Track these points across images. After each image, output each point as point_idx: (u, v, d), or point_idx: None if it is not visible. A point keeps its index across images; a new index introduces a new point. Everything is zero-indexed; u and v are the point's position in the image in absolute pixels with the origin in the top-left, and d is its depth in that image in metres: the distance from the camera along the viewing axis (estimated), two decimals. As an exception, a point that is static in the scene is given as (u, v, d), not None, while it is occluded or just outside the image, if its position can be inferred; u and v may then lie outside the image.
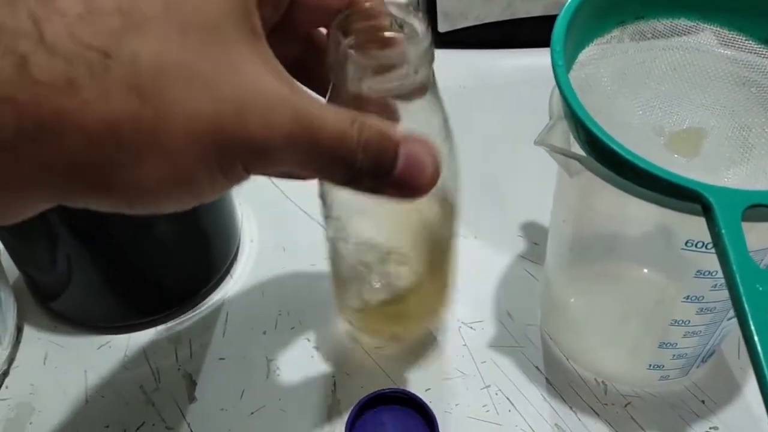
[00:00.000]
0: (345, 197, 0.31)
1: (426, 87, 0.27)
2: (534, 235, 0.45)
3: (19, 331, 0.39)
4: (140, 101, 0.17)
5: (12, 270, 0.40)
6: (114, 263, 0.37)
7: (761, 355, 0.21)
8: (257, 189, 0.48)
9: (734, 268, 0.22)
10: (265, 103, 0.19)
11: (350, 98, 0.25)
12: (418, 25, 0.27)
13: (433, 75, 0.28)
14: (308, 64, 0.27)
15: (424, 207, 0.32)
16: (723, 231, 0.23)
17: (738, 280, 0.22)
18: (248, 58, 0.20)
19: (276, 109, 0.19)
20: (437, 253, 0.35)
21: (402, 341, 0.38)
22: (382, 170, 0.22)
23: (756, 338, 0.21)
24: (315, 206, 0.46)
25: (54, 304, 0.40)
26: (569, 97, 0.26)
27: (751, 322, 0.21)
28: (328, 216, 0.33)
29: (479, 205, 0.46)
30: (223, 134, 0.19)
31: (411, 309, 0.37)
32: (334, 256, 0.35)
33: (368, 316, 0.38)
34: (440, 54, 0.67)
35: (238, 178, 0.21)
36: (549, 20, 0.65)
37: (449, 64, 0.61)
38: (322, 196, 0.32)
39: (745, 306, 0.22)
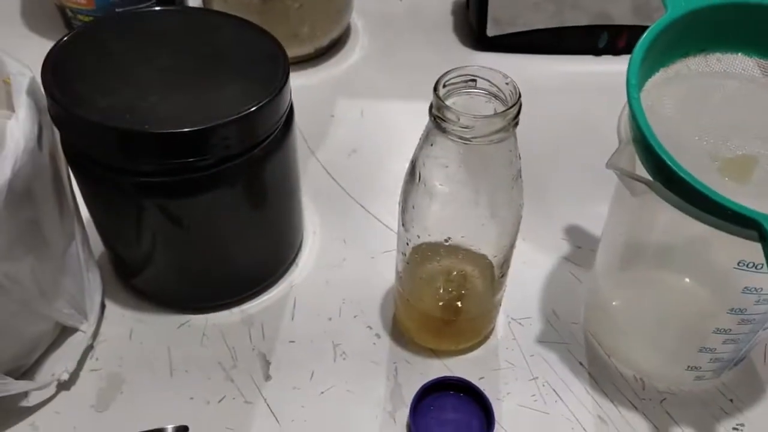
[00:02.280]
0: (426, 213, 0.34)
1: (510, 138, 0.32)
2: (577, 238, 0.48)
3: (103, 307, 0.43)
4: None
5: (97, 246, 0.43)
6: (195, 247, 0.40)
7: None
8: (319, 185, 0.51)
9: (788, 291, 0.25)
10: None
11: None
12: (510, 94, 0.31)
13: (516, 126, 0.32)
14: None
15: (493, 232, 0.35)
16: (778, 258, 0.26)
17: (791, 301, 0.25)
18: None
19: None
20: (493, 277, 0.38)
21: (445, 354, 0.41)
22: None
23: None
24: (372, 202, 0.50)
25: (136, 282, 0.43)
26: (643, 126, 0.29)
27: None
28: (407, 227, 0.36)
29: (526, 209, 0.49)
30: None
31: (461, 327, 0.41)
32: (404, 267, 0.38)
33: (420, 326, 0.41)
34: (489, 57, 0.70)
35: None
36: (594, 29, 0.68)
37: (497, 67, 0.64)
38: (403, 204, 0.35)
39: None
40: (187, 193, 0.37)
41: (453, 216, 0.34)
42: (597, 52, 0.63)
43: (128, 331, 0.42)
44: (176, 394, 0.39)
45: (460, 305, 0.40)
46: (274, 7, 0.56)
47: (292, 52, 0.60)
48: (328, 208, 0.50)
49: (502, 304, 0.42)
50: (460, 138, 0.30)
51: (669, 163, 0.28)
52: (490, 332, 0.42)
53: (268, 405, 0.38)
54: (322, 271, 0.45)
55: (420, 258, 0.37)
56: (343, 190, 0.51)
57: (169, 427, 0.37)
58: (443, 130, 0.31)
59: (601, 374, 0.40)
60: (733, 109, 0.35)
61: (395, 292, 0.41)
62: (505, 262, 0.37)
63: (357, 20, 0.68)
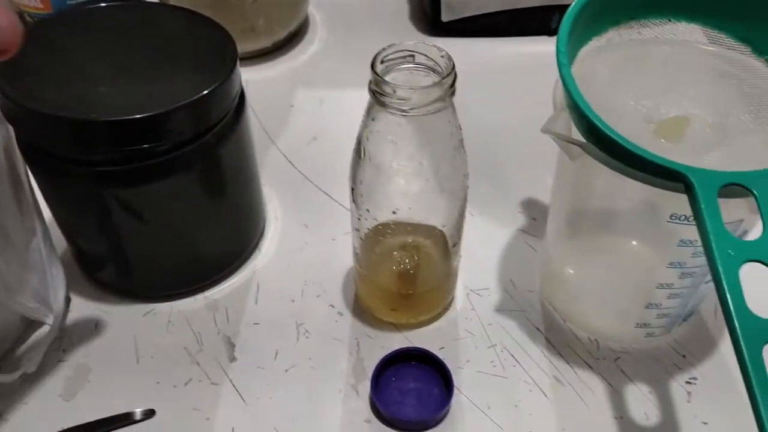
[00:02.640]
0: (374, 187, 0.35)
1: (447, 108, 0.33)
2: (532, 210, 0.49)
3: (68, 301, 0.43)
4: None
5: (60, 242, 0.44)
6: (155, 236, 0.41)
7: (732, 307, 0.25)
8: (279, 173, 0.52)
9: (711, 237, 0.27)
10: None
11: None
12: (444, 64, 0.33)
13: (452, 95, 0.33)
14: None
15: (440, 203, 0.36)
16: (702, 206, 0.27)
17: (713, 246, 0.26)
18: None
19: None
20: (447, 247, 0.39)
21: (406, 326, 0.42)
22: None
23: (728, 294, 0.26)
24: (333, 186, 0.51)
25: (100, 275, 0.44)
26: (573, 92, 0.31)
27: (723, 280, 0.26)
28: (358, 203, 0.37)
29: (482, 185, 0.51)
30: None
31: (419, 299, 0.42)
32: (359, 244, 0.39)
33: (380, 301, 0.42)
34: (444, 42, 0.71)
35: None
36: (547, 10, 0.69)
37: (452, 52, 0.65)
38: (352, 181, 0.36)
39: (719, 267, 0.26)
40: (142, 181, 0.38)
41: (399, 189, 0.35)
42: (550, 32, 0.64)
43: (94, 323, 0.42)
44: (143, 380, 0.39)
45: (416, 277, 0.41)
46: (229, 1, 0.57)
47: (250, 46, 0.61)
48: (289, 194, 0.51)
49: (459, 275, 0.43)
50: (399, 110, 0.31)
51: (598, 123, 0.30)
52: (450, 304, 0.43)
53: (233, 385, 0.39)
54: (284, 255, 0.46)
55: (373, 233, 0.38)
56: (304, 177, 0.52)
57: (137, 411, 0.38)
58: (382, 104, 0.32)
59: (557, 338, 0.41)
60: (665, 73, 0.36)
61: (354, 269, 0.42)
62: (457, 232, 0.39)
63: (315, 13, 0.69)
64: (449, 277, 0.41)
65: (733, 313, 0.25)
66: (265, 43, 0.62)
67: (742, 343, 0.25)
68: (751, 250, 0.26)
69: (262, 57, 0.63)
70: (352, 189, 0.36)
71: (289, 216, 0.49)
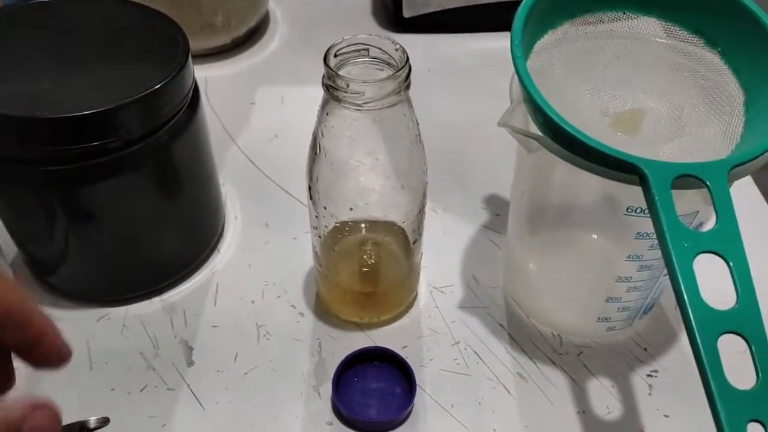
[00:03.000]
0: (331, 184, 0.35)
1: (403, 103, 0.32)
2: (495, 206, 0.49)
3: (19, 306, 0.42)
4: None
5: (9, 247, 0.42)
6: (109, 239, 0.40)
7: (686, 298, 0.25)
8: (240, 171, 0.51)
9: (665, 228, 0.27)
10: None
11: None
12: (399, 57, 0.32)
13: (407, 88, 0.32)
14: None
15: (400, 199, 0.36)
16: (656, 197, 0.27)
17: (667, 237, 0.26)
18: None
19: None
20: (408, 244, 0.39)
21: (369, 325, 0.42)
22: None
23: (683, 286, 0.26)
24: (294, 184, 0.50)
25: (52, 279, 0.42)
26: (527, 84, 0.30)
27: (678, 272, 0.26)
28: (315, 201, 0.36)
29: (445, 182, 0.50)
30: None
31: (381, 298, 0.41)
32: (318, 243, 0.39)
33: (342, 300, 0.41)
34: (406, 38, 0.71)
35: None
36: (509, 6, 0.69)
37: (415, 48, 0.65)
38: (309, 178, 0.35)
39: (674, 259, 0.26)
40: (92, 181, 0.37)
41: (357, 185, 0.35)
42: (512, 27, 0.64)
43: (45, 329, 0.41)
44: (96, 387, 0.38)
45: (377, 276, 0.40)
46: (185, -4, 0.56)
47: (208, 43, 0.60)
48: (249, 192, 0.50)
49: (422, 273, 0.43)
50: (353, 104, 0.31)
51: (553, 116, 0.29)
52: (413, 302, 0.43)
53: (191, 390, 0.38)
54: (244, 255, 0.45)
55: (332, 232, 0.38)
56: (265, 175, 0.51)
57: (91, 419, 0.36)
58: (337, 99, 0.31)
59: (520, 334, 0.41)
60: (620, 65, 0.36)
61: (315, 269, 0.42)
62: (417, 228, 0.38)
63: (275, 8, 0.68)
64: (411, 274, 0.41)
65: (688, 305, 0.25)
66: (223, 39, 0.61)
67: (697, 335, 0.25)
68: (705, 242, 0.26)
69: (222, 54, 0.62)
70: (309, 186, 0.36)
71: (250, 215, 0.48)
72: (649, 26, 0.36)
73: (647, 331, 0.41)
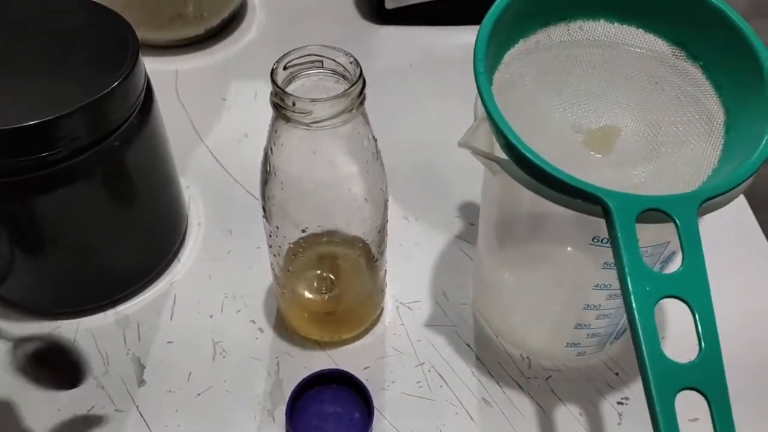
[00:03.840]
0: (282, 204, 0.33)
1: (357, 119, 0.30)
2: (471, 215, 0.47)
3: (-33, 317, 0.40)
4: None
5: (-42, 257, 0.40)
6: (59, 251, 0.38)
7: (644, 350, 0.23)
8: (206, 172, 0.49)
9: (626, 269, 0.25)
10: None
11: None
12: (353, 70, 0.29)
13: (362, 104, 0.30)
14: None
15: (362, 213, 0.34)
16: (618, 233, 0.25)
17: (628, 279, 0.24)
18: None
19: None
20: (369, 260, 0.37)
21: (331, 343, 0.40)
22: None
23: (640, 333, 0.24)
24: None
25: (0, 290, 0.41)
26: (489, 104, 0.28)
27: (637, 319, 0.24)
28: (268, 220, 0.34)
29: (419, 187, 0.48)
30: None
31: (343, 316, 0.39)
32: (274, 261, 0.37)
33: (301, 318, 0.40)
34: (388, 31, 0.68)
35: None
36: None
37: (397, 41, 0.62)
38: (263, 199, 0.33)
39: (633, 303, 0.24)
40: (38, 193, 0.35)
41: (309, 204, 0.33)
42: (499, 21, 0.61)
43: (-8, 343, 0.39)
44: (41, 407, 0.36)
45: (337, 294, 0.38)
46: (153, -14, 0.53)
47: (178, 33, 0.57)
48: (215, 196, 0.48)
49: (389, 286, 0.41)
50: (301, 123, 0.29)
51: (513, 141, 0.27)
52: (377, 318, 0.41)
53: (140, 412, 0.37)
54: (205, 265, 0.44)
55: (287, 250, 0.36)
56: (232, 178, 0.49)
57: None
58: (285, 118, 0.29)
59: (488, 355, 0.39)
60: (596, 76, 0.34)
61: (274, 286, 0.40)
62: (378, 246, 0.36)
63: (254, -3, 0.65)
64: (373, 292, 0.39)
65: (646, 358, 0.23)
66: (195, 30, 0.58)
67: (653, 391, 0.23)
68: (669, 285, 0.24)
69: (194, 45, 0.59)
70: (263, 206, 0.34)
71: (213, 221, 0.46)
72: (628, 35, 0.33)
73: (619, 355, 0.39)
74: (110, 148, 0.35)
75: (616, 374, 0.39)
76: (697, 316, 0.24)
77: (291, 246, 0.35)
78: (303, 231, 0.33)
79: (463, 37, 0.61)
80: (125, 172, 0.38)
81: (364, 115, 0.31)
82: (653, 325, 0.24)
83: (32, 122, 0.32)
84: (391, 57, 0.60)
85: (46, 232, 0.37)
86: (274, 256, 0.36)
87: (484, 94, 0.28)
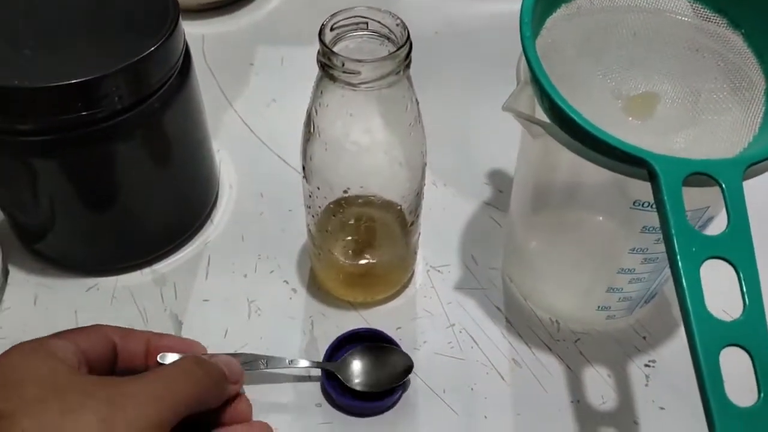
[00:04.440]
0: (325, 165, 0.33)
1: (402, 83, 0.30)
2: (499, 182, 0.47)
3: (6, 273, 0.41)
4: None
5: (-3, 213, 0.41)
6: (97, 209, 0.39)
7: (690, 308, 0.24)
8: (236, 137, 0.49)
9: (673, 230, 0.25)
10: None
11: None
12: (399, 33, 0.30)
13: (407, 67, 0.30)
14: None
15: (398, 178, 0.34)
16: (665, 197, 0.26)
17: (675, 241, 0.25)
18: None
19: None
20: (405, 224, 0.37)
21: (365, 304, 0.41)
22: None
23: (686, 292, 0.24)
24: (291, 153, 0.48)
25: (40, 247, 0.41)
26: (536, 68, 0.28)
27: (683, 279, 0.24)
28: (308, 180, 0.35)
29: (448, 154, 0.49)
30: None
31: (376, 277, 0.40)
32: (311, 221, 0.37)
33: (335, 279, 0.40)
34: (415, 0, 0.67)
35: None
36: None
37: (423, 9, 0.62)
38: (303, 156, 0.34)
39: (680, 263, 0.25)
40: (79, 151, 0.35)
41: (351, 166, 0.33)
42: (526, -11, 0.61)
43: (33, 297, 0.40)
44: (84, 360, 0.37)
45: (371, 256, 0.39)
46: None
47: (205, -3, 0.57)
48: (245, 160, 0.48)
49: (418, 252, 0.41)
50: (348, 84, 0.29)
51: (560, 103, 0.28)
52: (408, 281, 0.41)
53: (179, 366, 0.37)
54: (238, 227, 0.44)
55: (324, 211, 0.36)
56: (261, 142, 0.49)
57: None
58: (331, 78, 0.29)
59: (518, 318, 0.40)
60: (636, 43, 0.34)
61: (309, 246, 0.40)
62: (414, 210, 0.37)
63: (279, -39, 0.65)
64: (407, 255, 0.39)
65: (691, 314, 0.24)
66: (222, -6, 0.58)
67: (698, 348, 0.23)
68: (715, 246, 0.25)
69: (221, 9, 0.59)
70: (303, 166, 0.34)
71: (245, 184, 0.47)
72: (670, 2, 0.34)
73: (647, 320, 0.40)
74: (150, 109, 0.36)
75: (644, 338, 0.39)
76: (741, 276, 0.24)
77: (330, 206, 0.35)
78: (345, 192, 0.34)
79: (489, 6, 0.61)
80: (163, 134, 0.38)
81: (409, 79, 0.31)
82: (699, 284, 0.24)
83: (76, 80, 0.32)
84: (416, 25, 0.59)
85: (85, 190, 0.38)
86: (312, 216, 0.37)
87: (531, 59, 0.29)
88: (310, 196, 0.35)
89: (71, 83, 0.32)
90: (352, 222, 0.38)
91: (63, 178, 0.36)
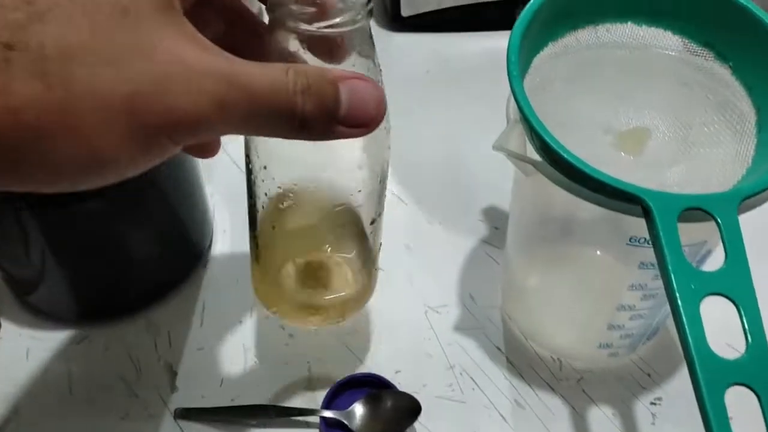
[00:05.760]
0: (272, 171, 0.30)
1: (363, 33, 0.26)
2: (495, 219, 0.47)
3: (-2, 326, 0.40)
4: (44, 86, 0.18)
5: (-12, 267, 0.41)
6: (88, 258, 0.38)
7: (692, 348, 0.23)
8: (229, 181, 0.49)
9: (670, 268, 0.25)
10: (186, 71, 0.20)
11: (284, 51, 0.25)
12: None
13: (370, 30, 0.26)
14: (235, 41, 0.26)
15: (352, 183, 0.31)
16: (661, 233, 0.25)
17: (673, 279, 0.24)
18: (164, 32, 0.20)
19: (199, 76, 0.20)
20: (362, 240, 0.34)
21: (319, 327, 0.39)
22: (327, 112, 0.22)
23: (689, 334, 0.24)
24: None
25: (32, 299, 0.41)
26: (524, 107, 0.28)
27: (684, 317, 0.24)
28: (252, 159, 0.31)
29: (442, 192, 0.49)
30: (142, 111, 0.19)
31: (331, 298, 0.36)
32: (258, 237, 0.34)
33: (286, 303, 0.37)
34: (405, 38, 0.69)
35: (165, 151, 0.21)
36: (509, 3, 0.66)
37: (414, 48, 0.63)
38: (249, 170, 0.31)
39: (679, 302, 0.24)
40: (69, 202, 0.35)
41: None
42: (515, 26, 0.62)
43: (24, 351, 0.39)
44: (76, 414, 0.37)
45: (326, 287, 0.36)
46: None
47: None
48: (239, 204, 0.47)
49: (417, 291, 0.41)
50: (301, 22, 0.24)
51: (550, 142, 0.27)
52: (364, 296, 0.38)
53: (174, 417, 0.37)
54: (232, 271, 0.44)
55: (275, 198, 0.32)
56: (255, 186, 0.49)
57: None
58: (281, 24, 0.24)
59: (519, 357, 0.39)
60: (624, 79, 0.34)
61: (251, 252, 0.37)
62: (376, 204, 0.32)
63: (270, 7, 0.66)
64: (368, 278, 0.36)
65: (694, 354, 0.23)
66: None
67: (703, 388, 0.23)
68: (713, 283, 0.25)
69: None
70: (247, 144, 0.30)
71: (239, 227, 0.46)
72: (656, 37, 0.34)
73: (651, 356, 0.39)
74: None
75: (648, 375, 0.39)
76: (742, 312, 0.24)
77: (280, 198, 0.31)
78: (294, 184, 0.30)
79: (479, 44, 0.62)
80: (158, 182, 0.38)
81: (371, 41, 0.27)
82: (700, 322, 0.24)
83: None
84: (408, 64, 0.60)
85: (77, 243, 0.37)
86: (259, 211, 0.33)
87: (519, 98, 0.29)
88: (254, 181, 0.31)
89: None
90: (303, 224, 0.34)
91: (55, 232, 0.36)
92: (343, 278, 0.37)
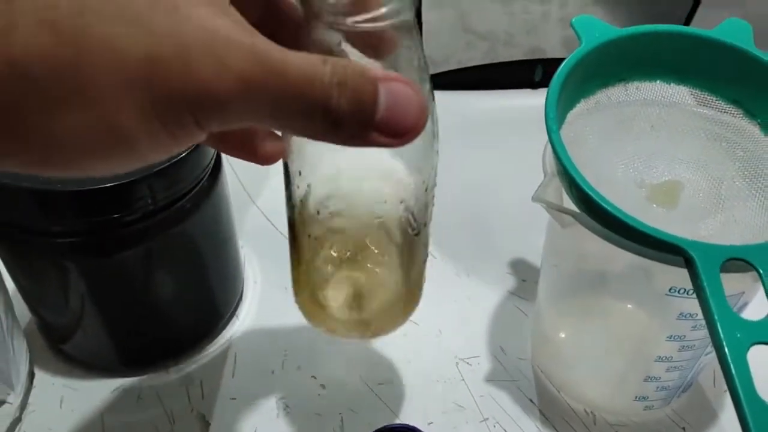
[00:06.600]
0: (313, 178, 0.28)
1: (408, 28, 0.23)
2: (522, 272, 0.47)
3: (32, 376, 0.40)
4: (55, 38, 0.15)
5: (23, 313, 0.41)
6: (126, 307, 0.39)
7: (742, 396, 0.24)
8: (259, 233, 0.50)
9: (716, 317, 0.25)
10: (216, 42, 0.17)
11: (323, 42, 0.22)
12: None
13: (417, 19, 0.24)
14: (272, 31, 0.22)
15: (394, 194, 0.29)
16: (705, 284, 0.26)
17: (719, 328, 0.25)
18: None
19: (230, 50, 0.17)
20: (406, 252, 0.32)
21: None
22: (363, 112, 0.19)
23: (737, 382, 0.24)
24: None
25: (66, 347, 0.41)
26: (564, 159, 0.29)
27: (732, 367, 0.24)
28: (292, 201, 0.29)
29: (469, 244, 0.49)
30: (162, 77, 0.16)
31: (372, 314, 0.34)
32: (296, 245, 0.32)
33: (330, 319, 0.35)
34: (426, 96, 0.69)
35: (188, 134, 0.18)
36: (529, 63, 0.68)
37: (446, 103, 0.64)
38: (287, 175, 0.29)
39: (726, 351, 0.24)
40: (111, 252, 0.36)
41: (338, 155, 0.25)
42: (533, 85, 0.64)
43: (59, 400, 0.39)
44: (109, 465, 0.36)
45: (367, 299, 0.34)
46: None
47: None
48: (269, 256, 0.48)
49: (447, 342, 0.41)
50: (337, 22, 0.21)
51: (591, 194, 0.28)
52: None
53: (207, 469, 0.36)
54: (263, 322, 0.44)
55: (311, 205, 0.29)
56: (285, 237, 0.50)
57: None
58: (316, 16, 0.22)
59: (552, 410, 0.39)
60: (655, 135, 0.35)
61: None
62: (422, 212, 0.30)
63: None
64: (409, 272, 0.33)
65: (744, 404, 0.23)
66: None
67: (755, 437, 0.23)
68: (759, 332, 0.25)
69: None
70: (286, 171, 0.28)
71: (269, 279, 0.47)
72: (684, 95, 0.35)
73: (685, 408, 0.39)
74: (182, 210, 0.37)
75: (683, 429, 0.38)
76: (791, 362, 0.24)
77: (317, 200, 0.29)
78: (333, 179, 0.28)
79: (498, 102, 0.64)
80: (193, 233, 0.38)
81: (418, 32, 0.24)
82: (748, 370, 0.24)
83: (111, 184, 0.33)
84: (440, 118, 0.62)
85: (114, 291, 0.38)
86: (296, 218, 0.31)
87: (558, 151, 0.30)
88: (290, 185, 0.29)
89: (107, 187, 0.33)
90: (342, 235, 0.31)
91: (92, 279, 0.37)
92: (387, 291, 0.34)
